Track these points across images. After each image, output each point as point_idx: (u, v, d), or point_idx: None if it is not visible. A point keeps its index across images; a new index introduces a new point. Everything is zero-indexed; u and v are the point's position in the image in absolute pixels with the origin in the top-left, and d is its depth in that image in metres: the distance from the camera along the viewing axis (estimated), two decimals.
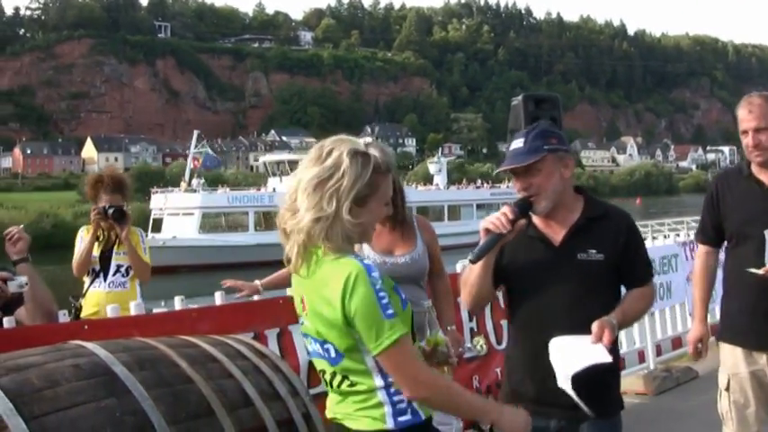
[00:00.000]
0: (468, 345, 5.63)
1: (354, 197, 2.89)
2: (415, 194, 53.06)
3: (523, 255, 3.64)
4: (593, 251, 3.56)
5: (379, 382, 2.97)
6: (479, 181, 69.66)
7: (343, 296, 2.84)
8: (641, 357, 9.07)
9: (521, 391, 3.70)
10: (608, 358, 3.40)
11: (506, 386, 3.87)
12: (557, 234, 3.63)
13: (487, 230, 3.49)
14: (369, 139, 3.15)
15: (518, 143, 3.61)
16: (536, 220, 3.66)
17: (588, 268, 3.56)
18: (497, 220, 3.47)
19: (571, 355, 3.43)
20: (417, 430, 2.99)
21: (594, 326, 3.43)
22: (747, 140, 4.54)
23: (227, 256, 44.26)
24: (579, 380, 3.45)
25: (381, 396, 2.98)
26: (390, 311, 2.82)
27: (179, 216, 49.49)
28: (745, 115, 4.53)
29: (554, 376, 3.48)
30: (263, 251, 42.29)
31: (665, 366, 9.26)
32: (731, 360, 4.73)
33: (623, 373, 8.67)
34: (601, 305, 3.52)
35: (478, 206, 56.29)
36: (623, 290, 3.77)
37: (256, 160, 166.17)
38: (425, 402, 2.96)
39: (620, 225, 3.67)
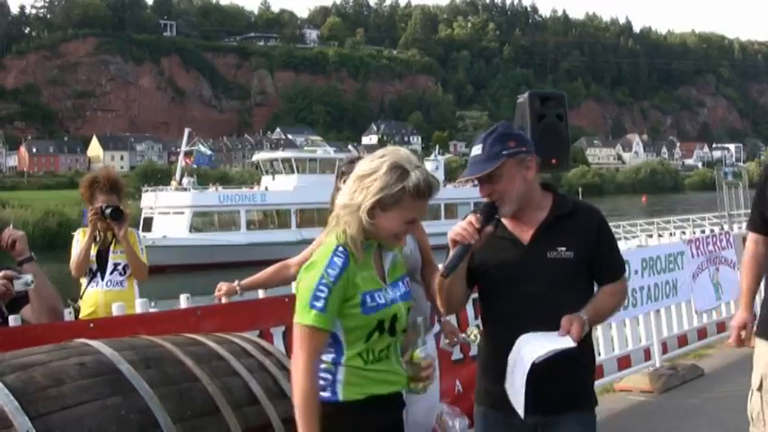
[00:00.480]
0: (463, 335, 5.64)
1: (378, 201, 3.19)
2: None
3: (493, 255, 3.61)
4: (563, 249, 3.53)
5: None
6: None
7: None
8: (647, 355, 9.04)
9: (495, 390, 3.67)
10: (571, 344, 3.36)
11: (479, 386, 3.85)
12: (525, 233, 3.60)
13: (455, 242, 3.47)
14: (437, 167, 3.37)
15: (477, 150, 3.58)
16: (505, 220, 3.62)
17: (558, 266, 3.53)
18: (464, 231, 3.45)
19: (535, 344, 3.40)
20: (329, 407, 3.22)
21: (563, 320, 3.41)
22: None
23: (218, 256, 43.60)
24: (553, 373, 3.44)
25: None
26: (319, 304, 3.15)
27: (169, 215, 48.65)
28: None
29: (529, 374, 3.43)
30: (255, 251, 41.63)
31: (671, 364, 9.23)
32: (766, 358, 4.55)
33: (628, 371, 8.68)
34: (572, 303, 3.49)
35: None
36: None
37: None
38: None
39: (590, 222, 3.63)
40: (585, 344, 3.58)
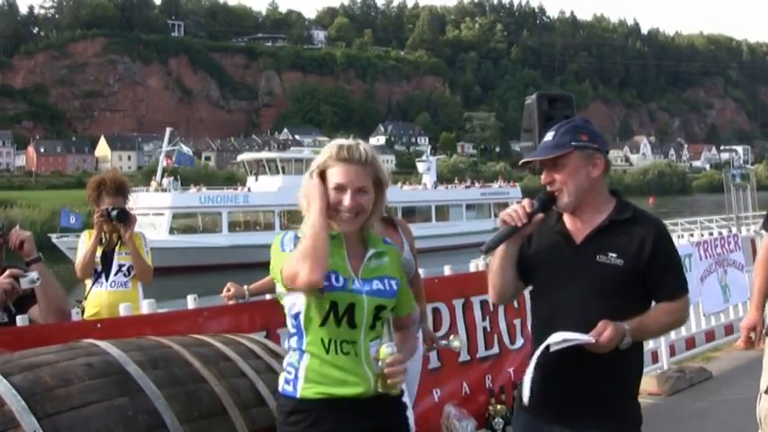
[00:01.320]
0: (444, 342, 5.65)
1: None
2: (401, 194, 51.64)
3: (546, 249, 3.58)
4: (614, 255, 3.44)
5: (286, 344, 3.47)
6: (468, 180, 68.94)
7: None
8: (655, 357, 9.03)
9: (534, 395, 3.59)
10: (590, 339, 3.27)
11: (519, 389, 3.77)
12: (580, 233, 3.54)
13: (504, 222, 3.48)
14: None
15: (548, 136, 3.58)
16: (566, 216, 3.59)
17: (605, 271, 3.43)
18: (514, 212, 3.46)
19: (558, 336, 3.33)
20: (289, 402, 3.27)
21: (600, 323, 3.31)
22: None
23: (199, 259, 42.44)
24: (584, 386, 3.41)
25: (285, 362, 3.39)
26: (291, 246, 3.31)
27: (149, 216, 45.35)
28: None
29: (556, 379, 3.42)
30: (237, 253, 40.67)
31: (679, 367, 9.22)
32: None
33: None
34: (613, 310, 3.37)
35: (468, 206, 55.21)
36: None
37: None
38: (308, 276, 3.16)
39: (648, 234, 3.48)
40: (626, 359, 3.49)
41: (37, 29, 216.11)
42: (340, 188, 3.34)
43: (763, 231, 4.94)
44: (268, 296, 5.44)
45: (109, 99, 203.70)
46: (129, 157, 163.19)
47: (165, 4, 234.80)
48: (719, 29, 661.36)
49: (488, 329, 6.86)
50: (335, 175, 3.34)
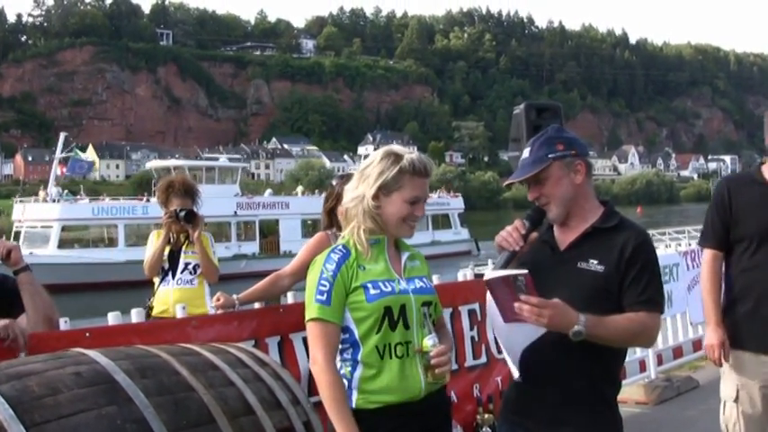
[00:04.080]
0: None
1: (379, 187, 3.46)
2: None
3: (533, 257, 3.57)
4: (595, 261, 3.42)
5: (338, 357, 3.51)
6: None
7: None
8: (642, 367, 9.05)
9: (509, 397, 3.70)
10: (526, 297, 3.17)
11: (503, 397, 3.85)
12: (565, 240, 3.55)
13: (501, 247, 3.49)
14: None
15: (525, 153, 3.58)
16: (555, 225, 3.61)
17: (585, 278, 3.42)
18: (510, 236, 3.47)
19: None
20: None
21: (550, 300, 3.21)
22: None
23: (91, 275, 39.80)
24: (566, 400, 3.41)
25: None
26: (322, 298, 3.36)
27: (38, 229, 43.73)
28: None
29: (531, 388, 3.48)
30: (136, 270, 39.04)
31: (666, 376, 9.25)
32: (742, 368, 4.75)
33: (623, 382, 8.60)
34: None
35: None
36: None
37: (258, 168, 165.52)
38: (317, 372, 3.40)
39: (629, 241, 3.43)
40: (606, 367, 3.52)
41: (25, 37, 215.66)
42: (416, 201, 3.53)
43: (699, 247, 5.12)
44: (257, 305, 5.45)
45: (97, 107, 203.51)
46: (118, 166, 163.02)
47: (153, 12, 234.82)
48: (707, 39, 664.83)
49: (476, 339, 6.85)
50: (413, 189, 3.50)
